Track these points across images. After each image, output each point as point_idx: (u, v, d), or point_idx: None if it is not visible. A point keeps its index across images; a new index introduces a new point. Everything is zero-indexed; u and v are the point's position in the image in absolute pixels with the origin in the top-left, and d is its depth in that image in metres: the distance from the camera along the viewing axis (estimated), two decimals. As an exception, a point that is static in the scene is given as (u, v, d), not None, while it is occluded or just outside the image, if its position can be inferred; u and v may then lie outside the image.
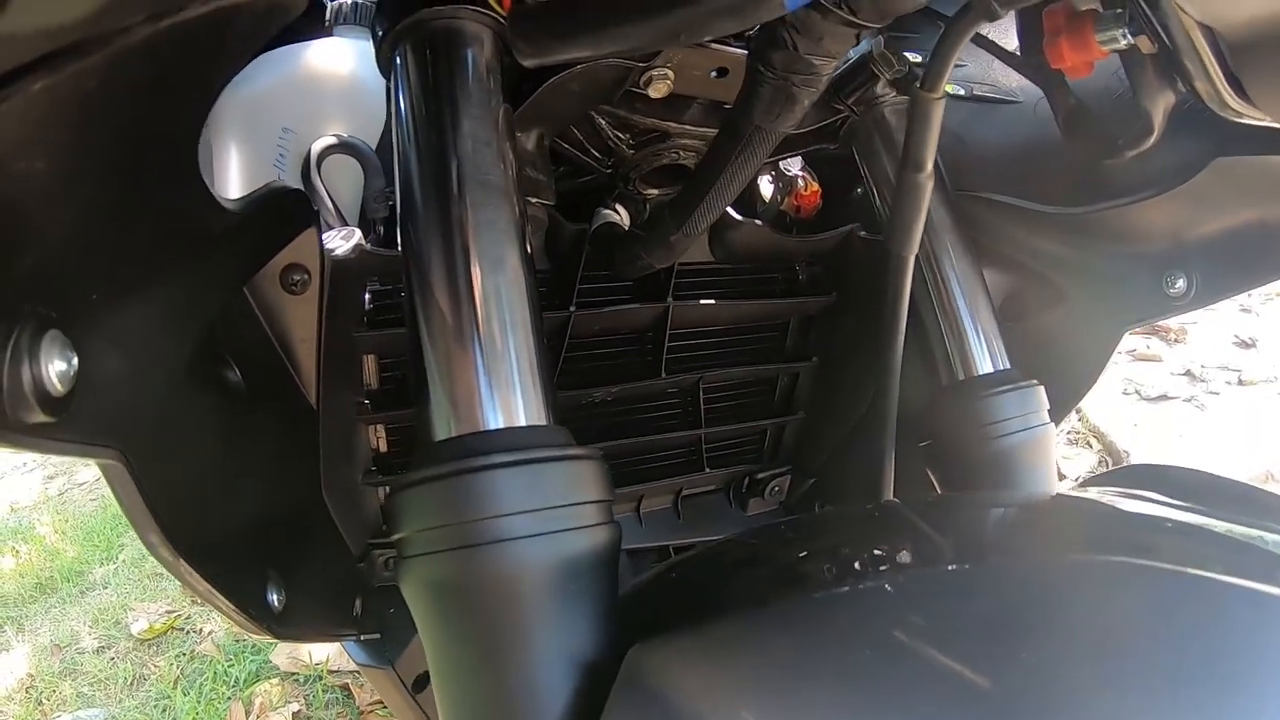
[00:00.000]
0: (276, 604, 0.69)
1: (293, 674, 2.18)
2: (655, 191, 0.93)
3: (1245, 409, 2.96)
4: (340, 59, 0.98)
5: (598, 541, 0.50)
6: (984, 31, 0.66)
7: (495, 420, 0.51)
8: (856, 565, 0.52)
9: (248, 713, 2.09)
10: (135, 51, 0.36)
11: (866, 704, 0.39)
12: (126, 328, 0.50)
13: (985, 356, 0.84)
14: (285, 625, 0.70)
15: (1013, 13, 0.60)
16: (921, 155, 0.66)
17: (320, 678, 2.13)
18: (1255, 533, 0.50)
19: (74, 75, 0.34)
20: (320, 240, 0.74)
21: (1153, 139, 0.74)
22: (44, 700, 2.27)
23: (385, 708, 1.90)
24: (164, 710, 2.16)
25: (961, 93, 0.98)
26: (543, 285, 0.96)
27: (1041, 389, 0.83)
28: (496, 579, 0.47)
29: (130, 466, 0.50)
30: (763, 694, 0.40)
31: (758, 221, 1.03)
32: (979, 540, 0.59)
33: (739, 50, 0.76)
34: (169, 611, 2.53)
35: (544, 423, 0.53)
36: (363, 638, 0.96)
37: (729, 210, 0.96)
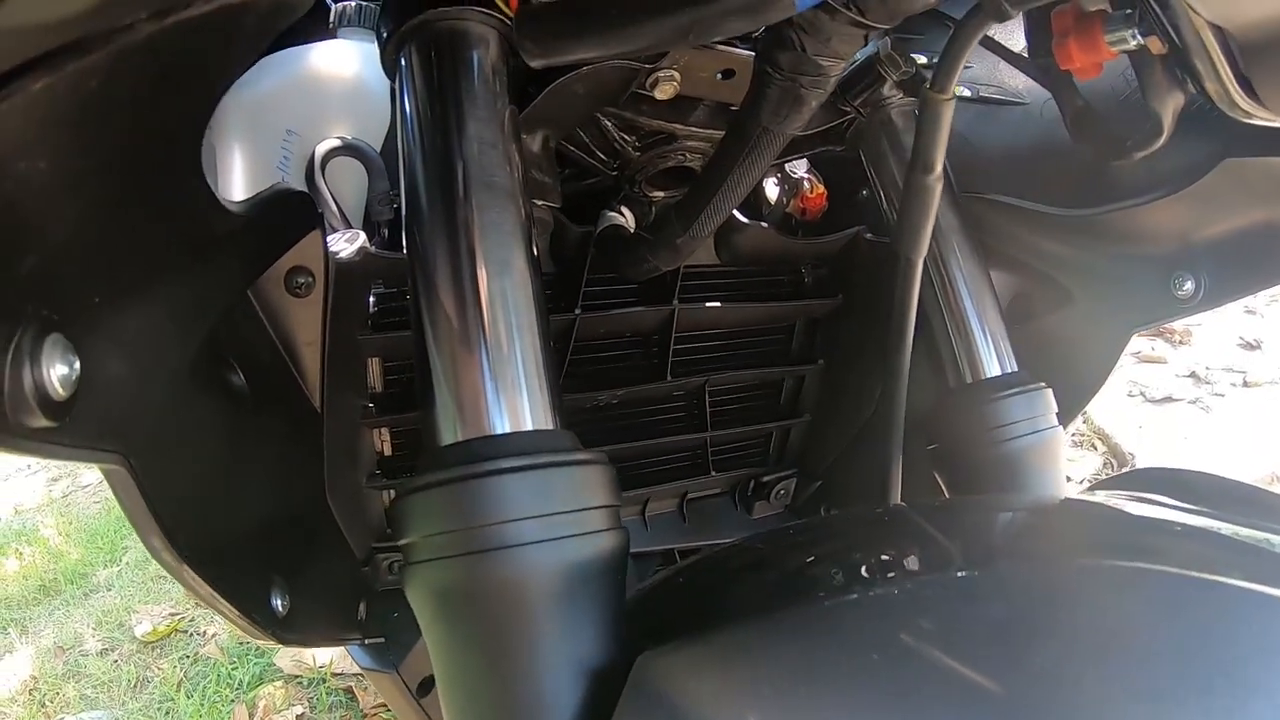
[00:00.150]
0: (280, 608, 0.68)
1: (296, 677, 2.17)
2: (661, 194, 0.92)
3: (1250, 411, 2.95)
4: (344, 61, 0.97)
5: (605, 547, 0.50)
6: (991, 33, 0.65)
7: (502, 424, 0.51)
8: (866, 571, 0.51)
9: (251, 716, 2.08)
10: (138, 50, 0.36)
11: (879, 712, 0.38)
12: (129, 331, 0.50)
13: (993, 359, 0.83)
14: (289, 630, 0.69)
15: (1020, 14, 0.59)
16: (931, 157, 0.66)
17: (324, 680, 2.13)
18: (1266, 536, 0.49)
19: (75, 74, 0.34)
20: (324, 243, 0.74)
21: (1162, 140, 0.74)
22: (47, 702, 2.27)
23: (389, 711, 1.90)
24: (167, 713, 2.16)
25: (968, 94, 0.97)
26: (548, 288, 0.95)
27: (1049, 392, 0.83)
28: (503, 585, 0.47)
29: (133, 471, 0.49)
30: (773, 702, 0.40)
31: (763, 224, 1.02)
32: (989, 545, 0.58)
33: (746, 52, 0.75)
34: (173, 614, 2.52)
35: (551, 427, 0.53)
36: (367, 641, 0.96)
37: (735, 213, 0.95)
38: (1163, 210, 0.82)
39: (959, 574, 0.49)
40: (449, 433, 0.52)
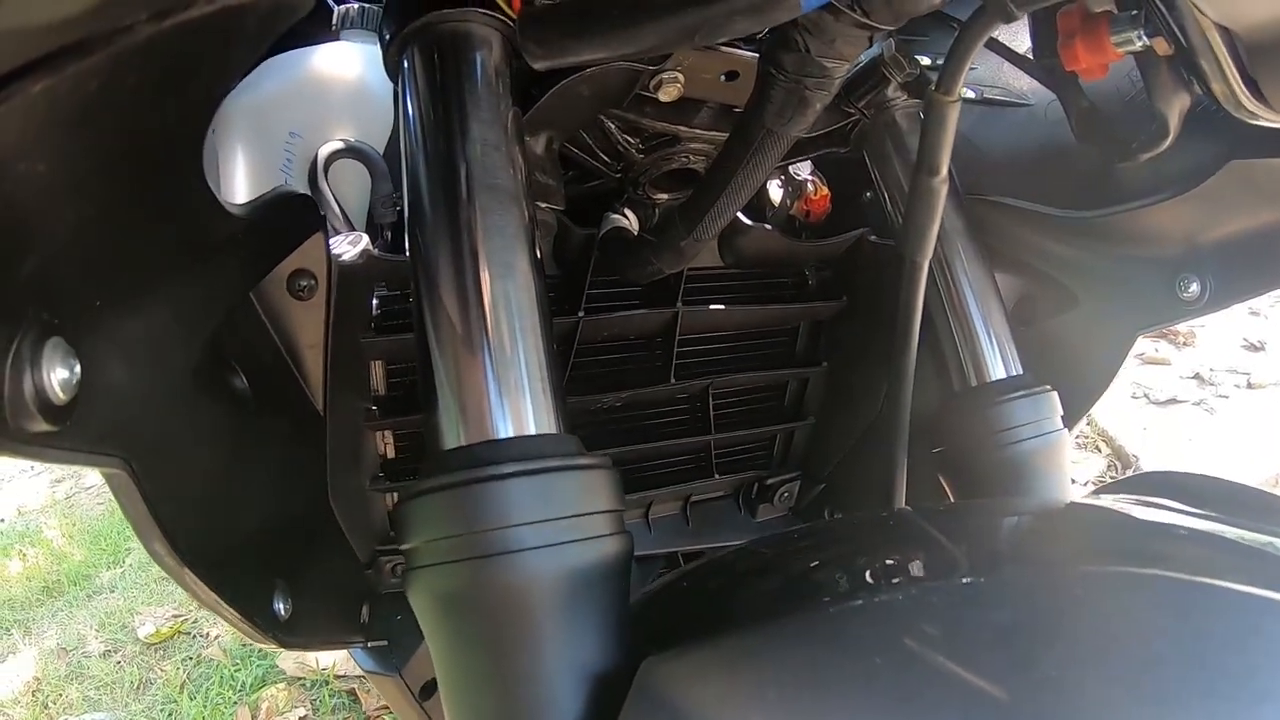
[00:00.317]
0: (283, 612, 0.68)
1: (299, 679, 2.17)
2: (665, 196, 0.92)
3: (1255, 412, 2.94)
4: (347, 63, 0.97)
5: (609, 552, 0.50)
6: (996, 34, 0.65)
7: (505, 429, 0.51)
8: (872, 576, 0.51)
9: (254, 717, 2.08)
10: (138, 52, 0.36)
11: (885, 718, 0.38)
12: (130, 334, 0.49)
13: (998, 362, 0.83)
14: (292, 634, 0.69)
15: (1025, 15, 0.59)
16: (936, 159, 0.66)
17: (327, 683, 2.13)
18: (1271, 540, 0.49)
19: (75, 76, 0.34)
20: (327, 245, 0.74)
21: (1168, 141, 0.74)
22: (50, 704, 2.27)
23: (391, 713, 1.89)
24: (170, 715, 2.16)
25: (972, 96, 0.97)
26: (551, 291, 0.95)
27: (1055, 395, 0.83)
28: (507, 590, 0.47)
29: (134, 474, 0.49)
30: (778, 707, 0.39)
31: (767, 226, 1.02)
32: (995, 550, 0.58)
33: (749, 53, 0.75)
34: (176, 615, 2.53)
35: (554, 431, 0.52)
36: (370, 644, 0.96)
37: (739, 215, 0.95)
38: (1168, 212, 0.82)
39: (965, 579, 0.49)
40: (452, 437, 0.51)
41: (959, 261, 0.85)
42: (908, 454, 0.79)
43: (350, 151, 0.91)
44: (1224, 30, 0.57)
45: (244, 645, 2.32)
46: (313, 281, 0.73)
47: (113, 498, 0.51)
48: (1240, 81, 0.59)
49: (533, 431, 0.51)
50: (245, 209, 0.62)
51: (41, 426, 0.39)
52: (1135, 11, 0.64)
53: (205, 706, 2.13)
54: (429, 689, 1.01)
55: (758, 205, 1.08)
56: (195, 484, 0.60)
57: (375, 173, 0.92)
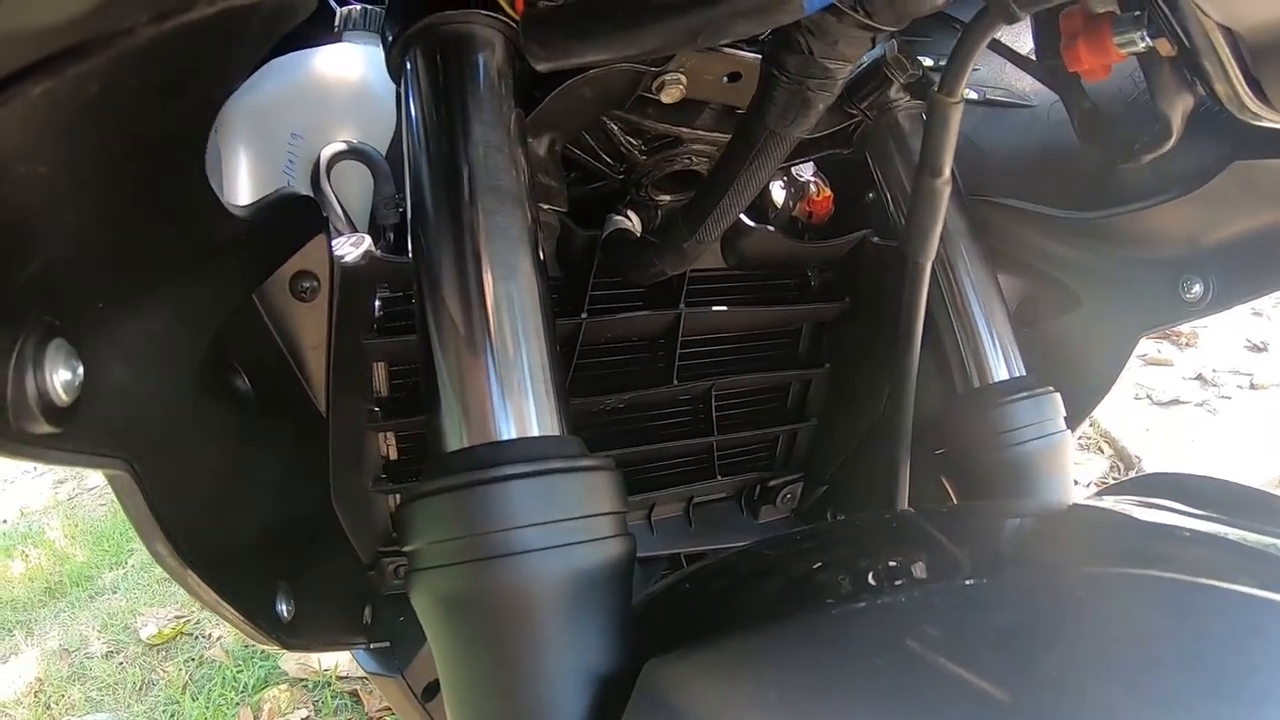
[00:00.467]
0: (285, 614, 0.68)
1: (302, 680, 2.17)
2: (667, 197, 0.92)
3: (1257, 413, 2.95)
4: (349, 65, 0.97)
5: (612, 554, 0.50)
6: (998, 35, 0.65)
7: (508, 430, 0.51)
8: (874, 577, 0.51)
9: (256, 718, 2.08)
10: (139, 54, 0.36)
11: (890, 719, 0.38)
12: (133, 336, 0.49)
13: (1001, 363, 0.83)
14: (294, 635, 0.69)
15: (1028, 16, 0.59)
16: (939, 160, 0.65)
17: (329, 684, 2.13)
18: (1274, 541, 0.49)
19: (75, 78, 0.33)
20: (330, 247, 0.74)
21: (1171, 142, 0.73)
22: (52, 705, 2.27)
23: (394, 715, 1.89)
24: (172, 716, 2.16)
25: (975, 97, 0.97)
26: (554, 292, 0.95)
27: (1058, 396, 0.82)
28: (509, 592, 0.47)
29: (137, 476, 0.49)
30: (781, 709, 0.39)
31: (770, 227, 1.02)
32: (998, 552, 0.58)
33: (752, 55, 0.75)
34: (178, 617, 2.53)
35: (557, 433, 0.52)
36: (372, 646, 0.96)
37: (741, 216, 0.95)
38: (1171, 213, 0.82)
39: (968, 581, 0.49)
40: (455, 439, 0.51)
41: (962, 262, 0.85)
42: (910, 455, 0.79)
43: (353, 153, 0.91)
44: (1227, 31, 0.56)
45: (246, 646, 2.32)
46: (315, 283, 0.73)
47: (115, 499, 0.51)
48: (1243, 82, 0.59)
49: (536, 433, 0.51)
50: (248, 210, 0.62)
51: (44, 428, 0.39)
52: (1138, 12, 0.64)
53: (208, 708, 2.14)
54: (431, 690, 1.01)
55: (760, 206, 1.08)
56: (198, 485, 0.60)
57: (378, 174, 0.92)
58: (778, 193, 1.08)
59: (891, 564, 0.52)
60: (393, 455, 0.98)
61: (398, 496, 0.99)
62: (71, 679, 2.36)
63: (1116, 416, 2.91)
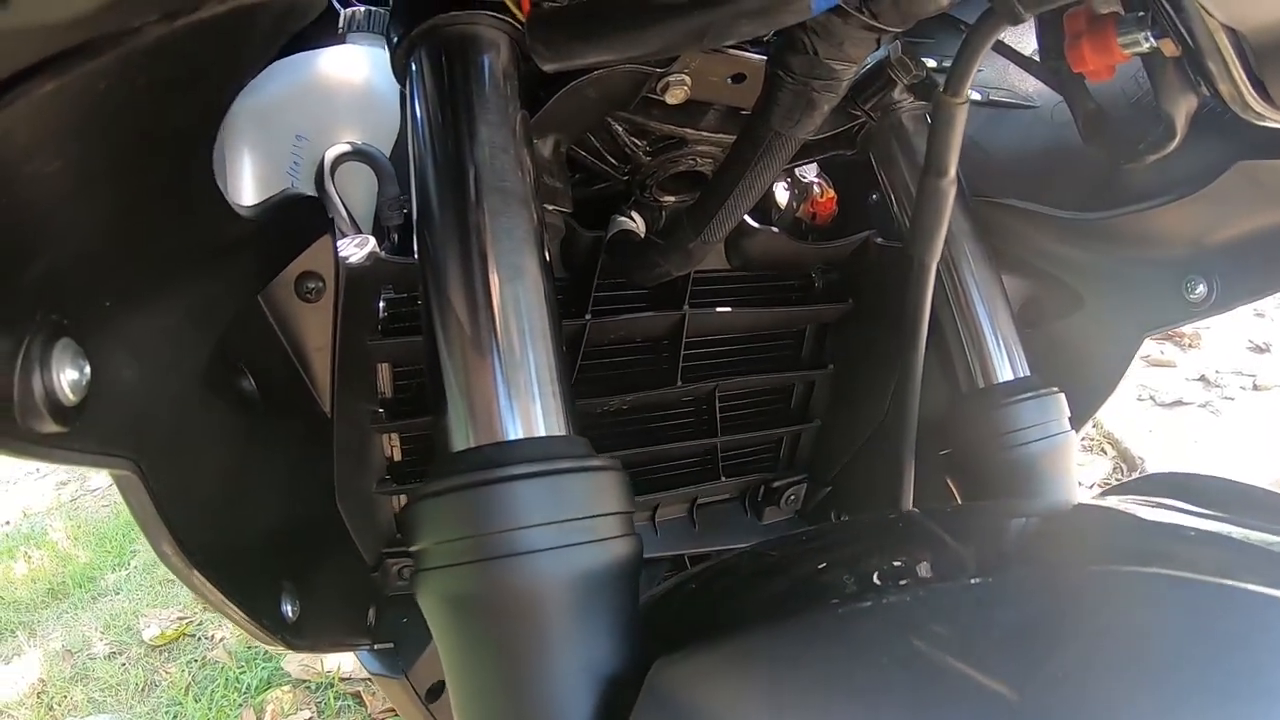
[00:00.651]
0: (290, 614, 0.68)
1: (304, 681, 2.17)
2: (672, 199, 0.92)
3: (1260, 414, 2.95)
4: (354, 66, 0.97)
5: (619, 554, 0.50)
6: (1002, 36, 0.65)
7: (514, 430, 0.51)
8: (881, 577, 0.51)
9: (259, 720, 2.09)
10: (148, 52, 0.36)
11: (899, 718, 0.38)
12: (140, 336, 0.50)
13: (1005, 364, 0.83)
14: (299, 636, 0.69)
15: (1032, 17, 0.59)
16: (944, 160, 0.66)
17: (332, 685, 2.13)
18: None
19: (84, 76, 0.33)
20: (335, 248, 0.74)
21: (1175, 143, 0.73)
22: (55, 706, 2.27)
23: (397, 716, 1.89)
24: (175, 717, 2.16)
25: (978, 98, 0.97)
26: (559, 293, 0.95)
27: (1062, 396, 0.82)
28: (516, 592, 0.47)
29: (143, 476, 0.49)
30: (793, 709, 0.39)
31: (774, 229, 1.02)
32: (1004, 551, 0.58)
33: (757, 56, 0.75)
34: (181, 618, 2.53)
35: (563, 433, 0.52)
36: (376, 647, 0.96)
37: (746, 217, 0.95)
38: (1174, 213, 0.82)
39: (976, 580, 0.49)
40: (461, 438, 0.51)
41: (966, 263, 0.85)
42: (914, 455, 0.79)
43: (357, 154, 0.91)
44: (1231, 31, 0.56)
45: (249, 648, 2.32)
46: (320, 284, 0.73)
47: (118, 499, 0.51)
48: (1247, 83, 0.59)
49: (542, 433, 0.51)
50: (254, 211, 0.62)
51: (51, 427, 0.39)
52: (1142, 13, 0.64)
53: (210, 709, 2.13)
54: (435, 691, 1.01)
55: (764, 208, 1.08)
56: (204, 485, 0.60)
57: (382, 176, 0.92)
58: (781, 194, 1.08)
59: (899, 563, 0.52)
60: (397, 456, 0.98)
61: (402, 498, 0.99)
62: (74, 680, 2.36)
63: (1119, 418, 2.91)
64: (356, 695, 2.10)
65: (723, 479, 1.17)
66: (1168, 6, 0.60)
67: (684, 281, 1.00)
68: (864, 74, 0.86)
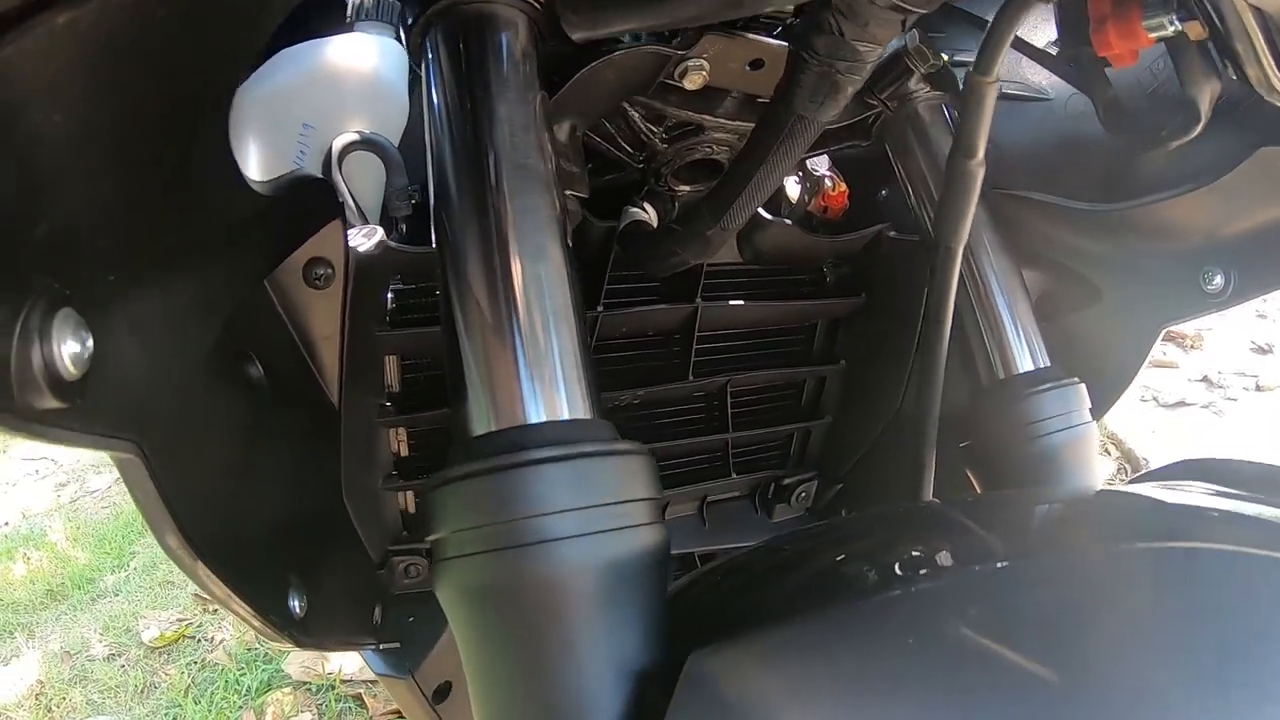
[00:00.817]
0: (298, 610, 0.66)
1: (305, 683, 2.16)
2: (686, 188, 0.91)
3: (1263, 414, 2.95)
4: (362, 54, 0.96)
5: (648, 542, 0.47)
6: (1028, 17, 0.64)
7: (537, 414, 0.49)
8: (913, 565, 0.50)
9: (259, 722, 2.07)
10: None
11: (944, 705, 0.37)
12: (146, 311, 0.47)
13: (1025, 354, 0.82)
14: (307, 633, 0.67)
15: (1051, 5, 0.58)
16: (973, 141, 0.64)
17: (333, 687, 2.12)
18: None
19: (101, 6, 0.31)
20: (345, 235, 0.72)
21: (1199, 128, 0.73)
22: (54, 707, 2.26)
23: (401, 717, 1.88)
24: (175, 719, 2.14)
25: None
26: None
27: (1083, 387, 0.82)
28: (541, 582, 0.44)
29: (147, 460, 0.47)
30: (838, 697, 0.38)
31: (787, 221, 1.01)
32: (1033, 535, 0.57)
33: (776, 42, 0.74)
34: (180, 619, 2.51)
35: (589, 416, 0.50)
36: (382, 646, 0.94)
37: (759, 210, 0.94)
38: (1191, 204, 0.81)
39: (1007, 565, 0.48)
40: (481, 423, 0.49)
41: (985, 253, 0.84)
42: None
43: (365, 143, 0.89)
44: (1258, 13, 0.56)
45: (249, 649, 2.31)
46: (329, 270, 0.72)
47: (117, 501, 0.49)
48: (1274, 65, 0.58)
49: (566, 416, 0.49)
50: (266, 187, 0.60)
51: (50, 403, 0.37)
52: (1167, -5, 0.64)
53: (210, 711, 2.12)
54: (442, 692, 1.00)
55: (775, 202, 1.08)
56: (209, 473, 0.58)
57: (390, 165, 0.91)
58: (793, 188, 1.08)
59: (931, 551, 0.51)
60: (404, 452, 0.97)
61: (409, 494, 0.97)
62: (73, 682, 2.34)
63: (1123, 418, 2.91)
64: (358, 697, 2.08)
65: (733, 476, 1.16)
66: (1195, -13, 0.60)
67: (696, 274, 0.99)
68: (881, 63, 0.85)
